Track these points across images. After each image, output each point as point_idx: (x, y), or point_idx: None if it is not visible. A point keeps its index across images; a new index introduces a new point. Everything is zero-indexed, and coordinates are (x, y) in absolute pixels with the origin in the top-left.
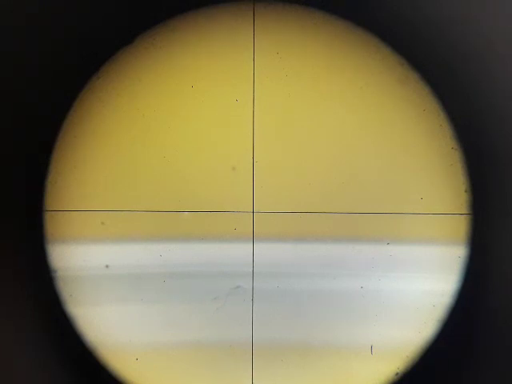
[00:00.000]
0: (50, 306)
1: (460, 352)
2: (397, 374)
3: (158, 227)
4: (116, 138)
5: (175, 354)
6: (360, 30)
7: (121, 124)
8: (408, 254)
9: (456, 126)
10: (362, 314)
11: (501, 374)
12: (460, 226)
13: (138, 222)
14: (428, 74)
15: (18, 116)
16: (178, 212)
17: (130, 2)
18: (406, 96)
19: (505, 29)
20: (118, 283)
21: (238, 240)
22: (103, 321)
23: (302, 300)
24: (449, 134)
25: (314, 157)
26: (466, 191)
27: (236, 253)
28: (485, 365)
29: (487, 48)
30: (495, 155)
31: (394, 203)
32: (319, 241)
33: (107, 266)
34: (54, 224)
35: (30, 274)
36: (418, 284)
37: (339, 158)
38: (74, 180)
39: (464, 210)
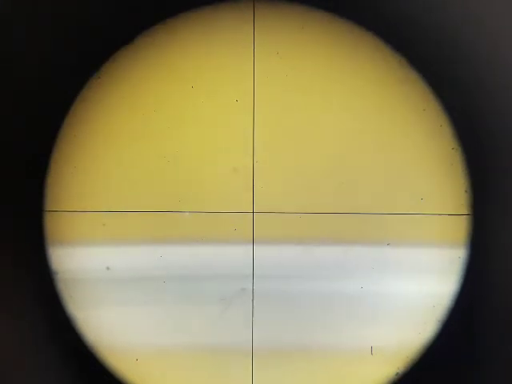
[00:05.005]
0: (50, 308)
1: (460, 352)
2: (397, 374)
3: (157, 228)
4: (116, 138)
5: (175, 355)
6: (360, 30)
7: (121, 124)
8: (408, 255)
9: (456, 126)
10: (362, 314)
11: (501, 374)
12: (460, 226)
13: (138, 222)
14: (428, 74)
15: (18, 116)
16: (178, 212)
17: (130, 2)
18: (406, 96)
19: (505, 28)
20: (119, 285)
21: (238, 241)
22: (104, 322)
23: (302, 301)
24: (449, 134)
25: (314, 157)
26: (466, 191)
27: (236, 254)
28: (485, 365)
29: (487, 48)
30: (495, 155)
31: (394, 203)
32: (319, 241)
33: (108, 268)
34: (54, 224)
35: (30, 274)
36: (418, 284)
37: (339, 158)
38: (74, 180)
39: (464, 210)
